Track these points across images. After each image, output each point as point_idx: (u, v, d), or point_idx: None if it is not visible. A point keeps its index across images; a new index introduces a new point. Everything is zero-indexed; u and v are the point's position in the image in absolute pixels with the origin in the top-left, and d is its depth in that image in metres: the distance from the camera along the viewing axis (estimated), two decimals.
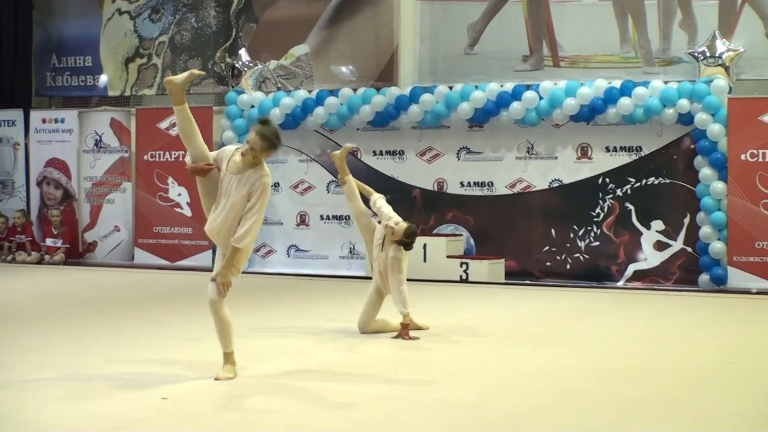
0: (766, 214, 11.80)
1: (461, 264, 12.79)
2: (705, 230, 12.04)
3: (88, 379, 6.24)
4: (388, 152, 13.93)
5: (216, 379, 6.26)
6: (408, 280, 8.27)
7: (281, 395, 5.90)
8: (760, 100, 11.99)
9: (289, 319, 9.25)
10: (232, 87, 14.40)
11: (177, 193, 14.69)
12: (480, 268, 12.72)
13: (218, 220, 6.28)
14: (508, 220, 13.21)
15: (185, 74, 6.30)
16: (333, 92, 13.84)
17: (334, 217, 14.14)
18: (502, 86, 13.04)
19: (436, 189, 13.67)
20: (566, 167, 13.06)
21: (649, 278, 12.48)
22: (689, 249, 12.33)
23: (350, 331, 8.34)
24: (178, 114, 6.31)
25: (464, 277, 12.75)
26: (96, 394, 5.83)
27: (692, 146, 12.28)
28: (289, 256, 14.36)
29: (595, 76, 12.82)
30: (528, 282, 12.86)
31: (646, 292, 11.98)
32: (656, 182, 12.53)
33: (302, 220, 14.35)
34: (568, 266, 12.87)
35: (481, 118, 13.17)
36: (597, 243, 12.77)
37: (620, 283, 12.56)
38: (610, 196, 12.74)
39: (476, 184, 13.51)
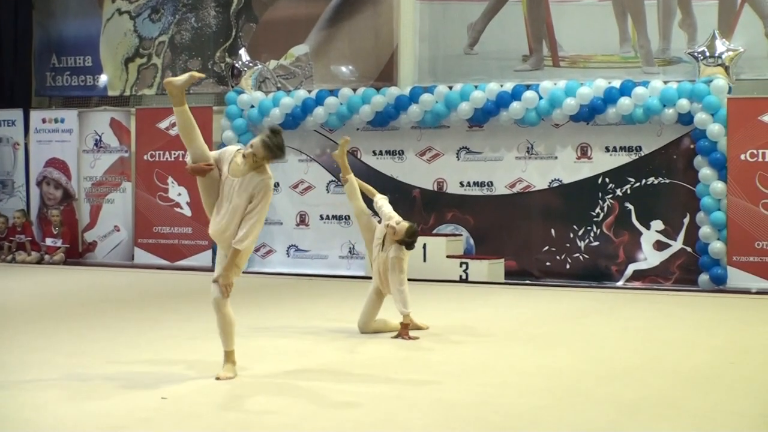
0: (765, 214, 11.80)
1: (461, 264, 12.79)
2: (705, 230, 12.04)
3: (88, 379, 6.24)
4: (387, 152, 13.93)
5: (217, 378, 6.27)
6: (408, 279, 8.26)
7: (281, 395, 5.90)
8: (759, 100, 12.00)
9: (288, 319, 9.25)
10: (232, 87, 14.40)
11: (177, 192, 14.69)
12: (480, 268, 12.72)
13: (222, 223, 6.29)
14: (508, 220, 13.21)
15: (185, 76, 6.30)
16: (333, 92, 13.84)
17: (334, 216, 14.15)
18: (501, 86, 13.04)
19: (435, 189, 13.67)
20: (566, 167, 13.06)
21: (649, 278, 12.48)
22: (689, 249, 12.33)
23: (350, 331, 8.34)
24: (178, 115, 6.31)
25: (464, 277, 12.75)
26: (96, 394, 5.83)
27: (692, 146, 12.28)
28: (288, 256, 14.37)
29: (594, 76, 12.82)
30: (528, 282, 12.87)
31: (645, 292, 11.98)
32: (656, 182, 12.54)
33: (302, 220, 14.35)
34: (568, 266, 12.88)
35: (481, 118, 13.18)
36: (597, 243, 12.77)
37: (620, 283, 12.56)
38: (610, 196, 12.74)
39: (476, 184, 13.51)
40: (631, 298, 11.41)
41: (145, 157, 14.92)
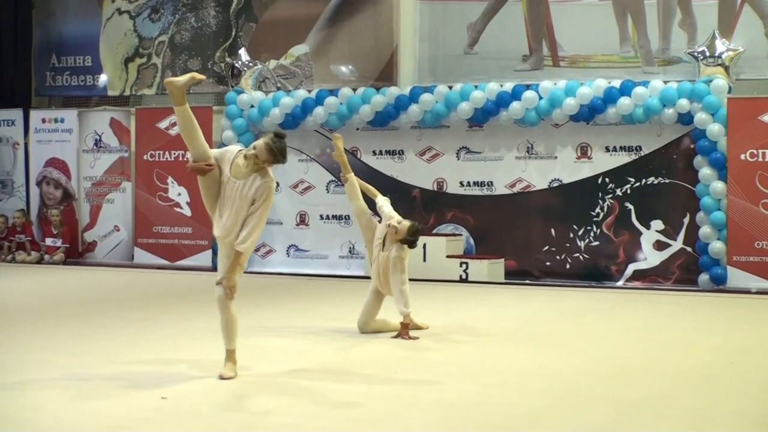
0: (765, 213, 11.80)
1: (461, 264, 12.79)
2: (705, 230, 12.04)
3: (88, 379, 6.24)
4: (387, 152, 13.93)
5: (220, 377, 6.26)
6: (408, 279, 8.26)
7: (281, 395, 5.90)
8: (759, 100, 12.00)
9: (288, 319, 9.24)
10: (232, 87, 14.40)
11: (177, 192, 14.69)
12: (480, 267, 12.72)
13: (227, 226, 6.29)
14: (508, 219, 13.21)
15: (186, 77, 6.29)
16: (333, 92, 13.85)
17: (334, 216, 14.15)
18: (501, 86, 13.04)
19: (435, 189, 13.67)
20: (566, 167, 13.06)
21: (649, 278, 12.48)
22: (689, 249, 12.34)
23: (350, 331, 8.34)
24: (179, 114, 6.31)
25: (464, 276, 12.75)
26: (96, 394, 5.83)
27: (692, 146, 12.29)
28: (288, 256, 14.37)
29: (594, 75, 12.82)
30: (528, 282, 12.87)
31: (645, 292, 11.98)
32: (656, 182, 12.54)
33: (302, 220, 14.35)
34: (568, 266, 12.88)
35: (481, 117, 13.18)
36: (597, 243, 12.77)
37: (620, 283, 12.57)
38: (610, 195, 12.74)
39: (476, 183, 13.52)
40: (631, 298, 11.41)
41: (144, 157, 14.92)
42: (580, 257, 12.83)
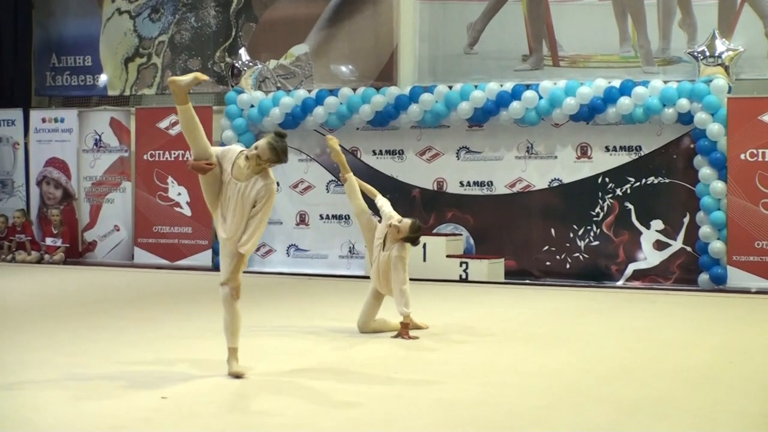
0: (765, 213, 11.80)
1: (461, 263, 12.79)
2: (704, 230, 12.04)
3: (88, 379, 6.23)
4: (387, 152, 13.93)
5: (234, 376, 6.26)
6: (408, 279, 8.26)
7: (281, 394, 5.90)
8: (759, 100, 12.00)
9: (288, 319, 9.24)
10: (232, 86, 14.40)
11: (177, 192, 14.69)
12: (480, 267, 12.72)
13: (231, 228, 6.30)
14: (508, 219, 13.21)
15: (190, 77, 6.29)
16: (333, 92, 13.85)
17: (334, 216, 14.15)
18: (501, 86, 13.04)
19: (435, 188, 13.67)
20: (566, 167, 13.06)
21: (649, 278, 12.49)
22: (689, 248, 12.34)
23: (350, 331, 8.34)
24: (182, 113, 6.31)
25: (464, 276, 12.75)
26: (96, 393, 5.83)
27: (692, 146, 12.29)
28: (288, 256, 14.37)
29: (594, 75, 12.82)
30: (527, 281, 12.87)
31: (645, 292, 11.98)
32: (656, 182, 12.54)
33: (302, 220, 14.35)
34: (568, 266, 12.88)
35: (481, 117, 13.18)
36: (596, 242, 12.77)
37: (620, 283, 12.57)
38: (610, 195, 12.74)
39: (476, 183, 13.52)
40: (631, 297, 11.41)
41: (144, 157, 14.92)
42: (580, 257, 12.83)
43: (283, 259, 14.33)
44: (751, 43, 12.39)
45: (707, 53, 12.19)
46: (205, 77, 6.43)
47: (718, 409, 5.59)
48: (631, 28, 13.07)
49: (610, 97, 12.45)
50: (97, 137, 15.45)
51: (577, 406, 5.65)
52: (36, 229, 15.65)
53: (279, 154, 6.29)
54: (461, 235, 13.38)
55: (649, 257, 12.54)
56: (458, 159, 13.59)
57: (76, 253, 15.40)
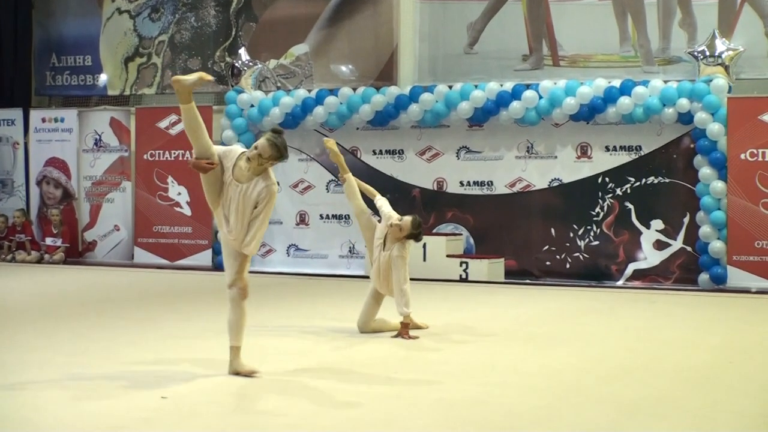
0: (765, 213, 11.80)
1: (461, 263, 12.79)
2: (705, 229, 12.04)
3: (88, 379, 6.23)
4: (387, 151, 13.93)
5: (248, 375, 6.27)
6: (409, 279, 8.26)
7: (281, 394, 5.90)
8: (759, 100, 12.00)
9: (288, 319, 9.24)
10: (232, 86, 14.40)
11: (177, 192, 14.69)
12: (480, 267, 12.72)
13: (235, 231, 6.31)
14: (508, 219, 13.22)
15: (194, 77, 6.29)
16: (333, 91, 13.85)
17: (334, 216, 14.15)
18: (501, 85, 13.04)
19: (435, 188, 13.67)
20: (566, 166, 13.06)
21: (649, 277, 12.49)
22: (689, 248, 12.34)
23: (350, 331, 8.34)
24: (185, 112, 6.31)
25: (464, 276, 12.75)
26: (96, 393, 5.82)
27: (692, 145, 12.29)
28: (288, 256, 14.37)
29: (594, 75, 12.82)
30: (528, 281, 12.87)
31: (645, 292, 11.98)
32: (656, 181, 12.54)
33: (302, 220, 14.35)
34: (568, 265, 12.88)
35: (481, 117, 13.18)
36: (597, 242, 12.77)
37: (620, 283, 12.57)
38: (610, 195, 12.74)
39: (476, 183, 13.52)
40: (631, 297, 11.41)
41: (144, 157, 14.92)
42: (580, 257, 12.83)
43: (283, 259, 14.33)
44: (751, 42, 12.39)
45: (707, 53, 12.19)
46: (209, 77, 6.43)
47: (718, 409, 5.59)
48: (631, 28, 13.08)
49: (610, 96, 12.45)
50: (97, 137, 15.46)
51: (577, 406, 5.65)
52: (36, 229, 15.65)
53: (280, 150, 6.28)
54: (461, 234, 13.38)
55: (649, 257, 12.54)
56: (458, 159, 13.59)
57: (76, 253, 15.40)
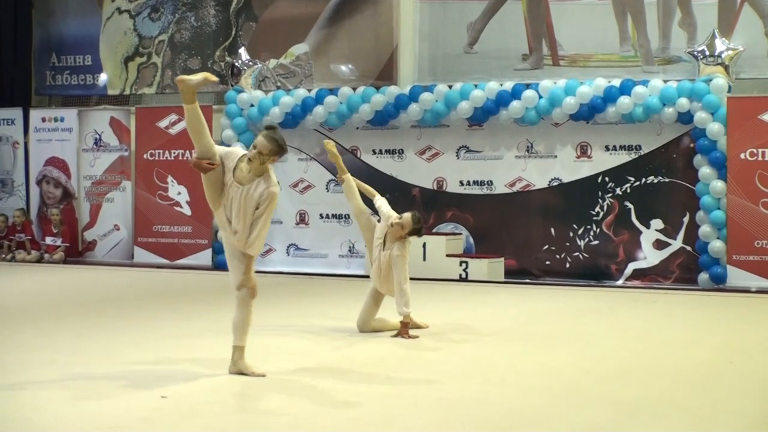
0: (765, 213, 11.80)
1: (461, 263, 12.79)
2: (704, 229, 12.04)
3: (88, 379, 6.23)
4: (387, 151, 13.93)
5: (252, 374, 6.27)
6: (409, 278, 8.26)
7: (281, 394, 5.90)
8: (759, 99, 12.00)
9: (288, 318, 9.24)
10: (232, 86, 14.40)
11: (176, 191, 14.69)
12: (479, 266, 12.72)
13: (237, 231, 6.31)
14: (508, 218, 13.22)
15: (199, 76, 6.29)
16: (333, 91, 13.85)
17: (334, 215, 14.15)
18: (501, 85, 13.04)
19: (435, 188, 13.68)
20: (566, 166, 13.06)
21: (649, 277, 12.49)
22: (689, 248, 12.34)
23: (350, 330, 8.34)
24: (189, 112, 6.32)
25: (464, 275, 12.76)
26: (96, 393, 5.83)
27: (692, 145, 12.29)
28: (288, 255, 14.37)
29: (594, 75, 12.82)
30: (527, 281, 12.87)
31: (645, 291, 11.98)
32: (656, 181, 12.54)
33: (302, 219, 14.35)
34: (568, 265, 12.88)
35: (481, 117, 13.18)
36: (596, 242, 12.77)
37: (620, 282, 12.57)
38: (610, 194, 12.74)
39: (476, 182, 13.52)
40: (631, 297, 11.41)
41: (144, 156, 14.92)
42: (580, 256, 12.83)
43: (283, 259, 14.33)
44: (751, 42, 12.39)
45: (707, 52, 12.19)
46: (214, 78, 6.44)
47: (718, 409, 5.59)
48: (631, 28, 13.08)
49: (609, 96, 12.46)
50: (97, 136, 15.46)
51: (577, 406, 5.65)
52: (36, 229, 15.66)
53: (279, 143, 6.28)
54: (461, 234, 13.38)
55: (648, 256, 12.54)
56: (458, 158, 13.59)
57: (76, 253, 15.40)
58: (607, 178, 12.77)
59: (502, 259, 12.98)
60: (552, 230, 12.99)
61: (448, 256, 12.86)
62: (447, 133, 13.60)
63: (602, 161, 12.85)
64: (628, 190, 12.65)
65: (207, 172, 6.33)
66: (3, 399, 5.69)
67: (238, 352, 6.41)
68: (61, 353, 7.18)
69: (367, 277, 8.76)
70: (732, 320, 9.48)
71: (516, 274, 12.96)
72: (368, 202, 8.67)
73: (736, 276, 11.87)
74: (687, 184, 12.35)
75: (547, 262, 12.98)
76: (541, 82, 12.83)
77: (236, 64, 14.40)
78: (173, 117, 14.52)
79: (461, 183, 13.58)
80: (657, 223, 12.52)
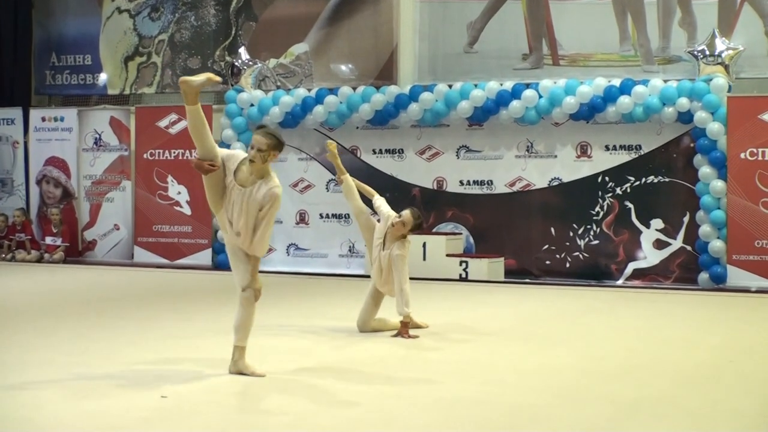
0: (765, 212, 11.80)
1: (461, 262, 12.79)
2: (704, 229, 12.04)
3: (87, 379, 6.23)
4: (387, 151, 13.93)
5: (252, 374, 6.27)
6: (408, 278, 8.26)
7: (281, 393, 5.90)
8: (759, 99, 12.00)
9: (288, 318, 9.24)
10: (232, 85, 14.40)
11: (176, 191, 14.69)
12: (479, 266, 12.72)
13: (242, 234, 6.32)
14: (508, 218, 13.22)
15: (202, 78, 6.29)
16: (332, 91, 13.84)
17: (334, 215, 14.15)
18: (501, 85, 13.04)
19: (435, 187, 13.68)
20: (566, 166, 13.06)
21: (649, 277, 12.49)
22: (689, 247, 12.34)
23: (350, 330, 8.34)
24: (191, 113, 6.31)
25: (464, 275, 12.75)
26: (96, 393, 5.83)
27: (692, 145, 12.29)
28: (288, 255, 14.37)
29: (594, 74, 12.82)
30: (527, 281, 12.87)
31: (645, 291, 11.98)
32: (656, 181, 12.54)
33: (302, 219, 14.35)
34: (568, 265, 12.88)
35: (481, 116, 13.18)
36: (596, 241, 12.77)
37: (620, 282, 12.57)
38: (610, 194, 12.74)
39: (476, 182, 13.52)
40: (631, 296, 11.41)
41: (144, 156, 14.92)
42: (580, 256, 12.83)
43: (283, 258, 14.33)
44: (751, 42, 12.39)
45: (707, 52, 12.18)
46: (217, 78, 6.44)
47: (718, 409, 5.59)
48: (631, 27, 13.07)
49: (610, 96, 12.45)
50: (97, 136, 15.46)
51: (576, 405, 5.65)
52: (36, 228, 15.66)
53: (276, 137, 6.32)
54: (461, 234, 13.38)
55: (649, 256, 12.54)
56: (458, 158, 13.59)
57: (76, 252, 15.40)
58: (607, 178, 12.77)
59: (502, 258, 12.98)
60: (552, 230, 12.99)
61: (448, 255, 12.86)
62: (447, 132, 13.60)
63: (602, 161, 12.85)
64: (628, 190, 12.65)
65: (208, 174, 6.34)
66: (3, 399, 5.69)
67: (239, 352, 6.41)
68: (61, 353, 7.17)
69: (367, 276, 8.76)
70: (732, 320, 9.48)
71: (516, 274, 12.96)
72: (368, 202, 8.67)
73: (736, 276, 11.87)
74: (687, 183, 12.35)
75: (547, 262, 12.98)
76: (541, 82, 12.83)
77: (236, 63, 14.40)
78: (173, 116, 14.53)
79: (461, 183, 13.58)
80: (657, 223, 12.53)
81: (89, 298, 10.93)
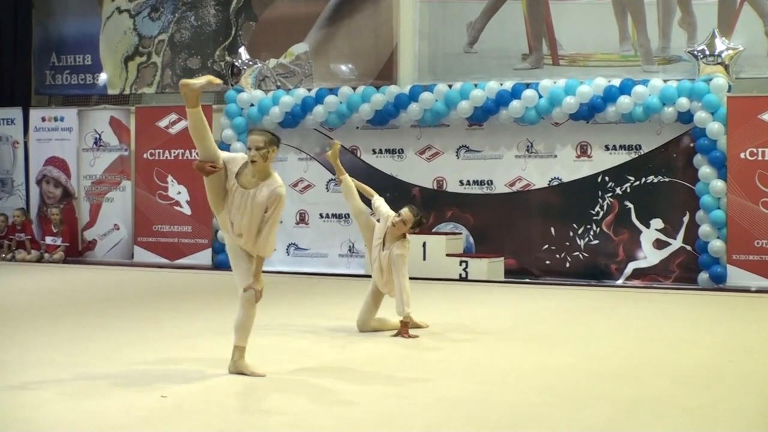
0: (765, 212, 11.80)
1: (461, 262, 12.79)
2: (704, 228, 12.04)
3: (87, 378, 6.23)
4: (387, 151, 13.93)
5: (252, 374, 6.27)
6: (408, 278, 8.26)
7: (280, 393, 5.91)
8: (759, 99, 12.00)
9: (288, 318, 9.24)
10: (232, 85, 14.40)
11: (176, 191, 14.69)
12: (479, 266, 12.72)
13: (245, 235, 6.33)
14: (508, 218, 13.22)
15: (203, 80, 6.30)
16: (332, 91, 13.85)
17: (334, 215, 14.15)
18: (501, 85, 13.05)
19: (435, 187, 13.68)
20: (566, 166, 13.07)
21: (649, 276, 12.49)
22: (688, 247, 12.34)
23: (349, 330, 8.34)
24: (192, 116, 6.32)
25: (464, 275, 12.75)
26: (96, 393, 5.83)
27: (692, 145, 12.29)
28: (288, 255, 14.37)
29: (594, 74, 12.83)
30: (527, 280, 12.88)
31: (645, 291, 11.98)
32: (656, 181, 12.54)
33: (302, 219, 14.35)
34: (568, 264, 12.88)
35: (481, 116, 13.18)
36: (596, 241, 12.78)
37: (619, 282, 12.57)
38: (610, 194, 12.75)
39: (476, 182, 13.52)
40: (631, 296, 11.41)
41: (144, 156, 14.92)
42: (580, 256, 12.84)
43: (283, 258, 14.33)
44: (751, 41, 12.39)
45: (707, 52, 12.19)
46: (218, 80, 6.44)
47: (718, 408, 5.59)
48: (630, 27, 13.07)
49: (609, 95, 12.46)
50: (97, 136, 15.46)
51: (576, 405, 5.65)
52: (36, 228, 15.66)
53: (271, 132, 6.40)
54: (461, 233, 13.39)
55: (648, 256, 12.54)
56: (458, 158, 13.59)
57: (76, 252, 15.40)
58: (607, 178, 12.78)
59: (502, 258, 12.99)
60: (552, 230, 12.99)
61: (448, 255, 12.86)
62: (447, 132, 13.60)
63: (602, 161, 12.86)
64: (628, 190, 12.66)
65: (209, 175, 6.35)
66: (3, 399, 5.69)
67: (239, 352, 6.42)
68: (61, 353, 7.18)
69: (368, 276, 8.76)
70: (732, 320, 9.48)
71: (516, 274, 12.96)
72: (367, 202, 8.67)
73: (736, 275, 11.87)
74: (687, 183, 12.35)
75: (547, 262, 12.98)
76: (541, 82, 12.83)
77: (236, 63, 14.40)
78: (173, 116, 14.53)
79: (461, 183, 13.58)
80: (657, 223, 12.53)
81: (89, 298, 10.93)
